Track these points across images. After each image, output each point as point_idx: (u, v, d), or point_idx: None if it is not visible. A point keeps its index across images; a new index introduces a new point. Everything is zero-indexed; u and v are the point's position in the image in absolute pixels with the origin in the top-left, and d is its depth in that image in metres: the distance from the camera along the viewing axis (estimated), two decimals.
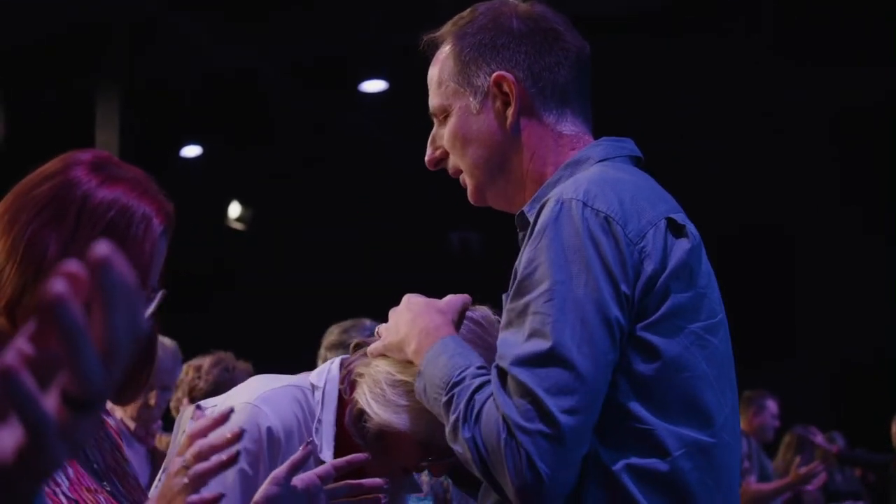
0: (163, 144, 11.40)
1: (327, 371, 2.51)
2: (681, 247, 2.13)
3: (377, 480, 2.37)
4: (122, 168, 2.01)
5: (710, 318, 2.17)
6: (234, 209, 12.93)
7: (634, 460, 2.07)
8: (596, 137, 2.37)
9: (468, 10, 2.41)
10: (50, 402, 0.96)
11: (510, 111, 2.32)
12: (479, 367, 2.17)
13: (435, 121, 2.44)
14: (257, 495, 2.23)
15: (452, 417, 2.12)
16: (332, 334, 4.29)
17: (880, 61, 10.03)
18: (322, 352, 4.30)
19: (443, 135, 2.41)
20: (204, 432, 1.79)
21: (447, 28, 2.42)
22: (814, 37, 9.83)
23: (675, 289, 2.10)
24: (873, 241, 11.73)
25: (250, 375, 5.64)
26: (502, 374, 2.07)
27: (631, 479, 2.07)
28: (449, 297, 2.39)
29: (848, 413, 11.40)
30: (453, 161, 2.41)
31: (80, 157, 1.99)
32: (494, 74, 2.32)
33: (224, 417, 1.79)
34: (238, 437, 1.78)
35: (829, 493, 9.01)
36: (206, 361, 5.30)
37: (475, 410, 2.10)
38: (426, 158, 2.45)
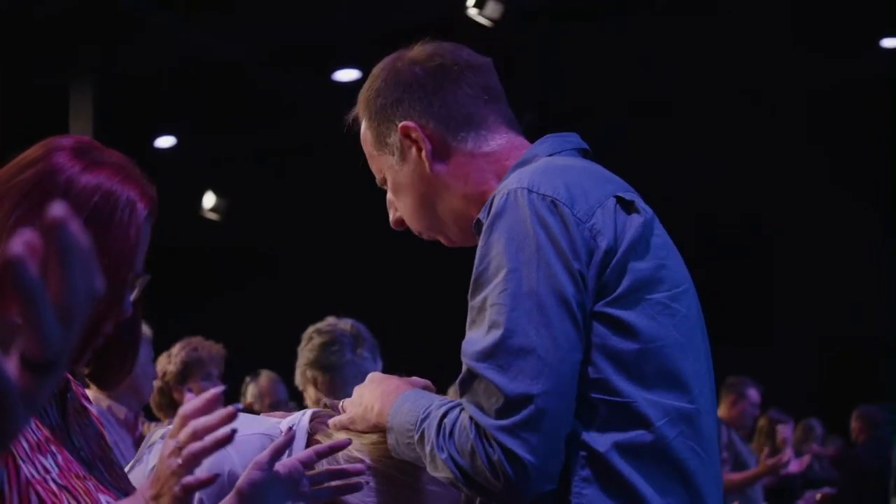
0: (136, 135, 11.36)
1: (298, 421, 2.52)
2: (633, 222, 2.17)
3: (359, 466, 2.39)
4: (105, 153, 2.01)
5: (675, 287, 2.20)
6: (209, 199, 12.90)
7: (619, 437, 2.09)
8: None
9: (370, 77, 2.50)
10: (10, 365, 0.98)
11: (425, 155, 2.39)
12: (441, 402, 2.20)
13: (386, 188, 2.53)
14: (240, 481, 2.24)
15: (427, 448, 2.16)
16: (313, 347, 4.28)
17: (865, 43, 10.08)
18: (300, 363, 4.29)
19: (392, 196, 2.51)
20: (198, 413, 1.78)
21: (359, 104, 2.52)
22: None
23: (633, 263, 2.14)
24: (855, 222, 11.79)
25: (221, 356, 5.67)
26: (468, 374, 2.10)
27: (619, 457, 2.09)
28: (413, 378, 2.42)
29: (827, 398, 11.47)
30: (398, 215, 2.52)
31: (62, 142, 1.99)
32: (399, 127, 2.40)
33: (216, 398, 1.78)
34: (233, 415, 1.77)
35: (808, 479, 9.08)
36: (175, 346, 5.33)
37: (446, 431, 2.13)
38: (391, 222, 2.55)
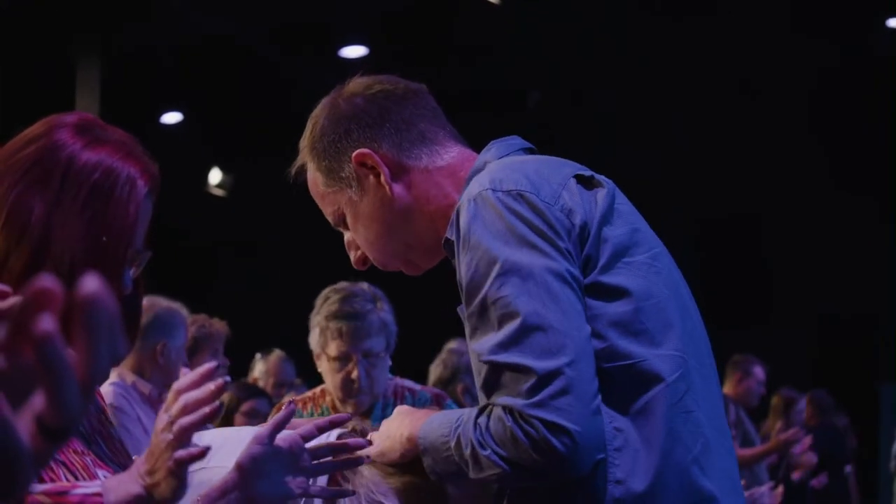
0: (143, 112, 11.36)
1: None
2: (598, 195, 2.23)
3: (360, 440, 2.41)
4: (107, 130, 2.02)
5: (651, 248, 2.25)
6: (215, 176, 12.91)
7: (640, 398, 2.12)
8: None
9: (309, 123, 2.50)
10: (24, 426, 0.98)
11: (384, 179, 2.38)
12: (472, 409, 2.20)
13: (342, 231, 2.52)
14: (241, 456, 2.26)
15: (468, 451, 2.15)
16: (332, 302, 4.27)
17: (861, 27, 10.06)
18: (319, 319, 4.27)
19: (353, 235, 2.49)
20: (189, 387, 1.78)
21: (301, 152, 2.52)
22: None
23: (609, 231, 2.19)
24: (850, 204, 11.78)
25: (225, 334, 5.71)
26: (490, 372, 2.11)
27: (644, 418, 2.12)
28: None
29: (830, 374, 11.49)
30: (364, 250, 2.49)
31: (65, 119, 2.01)
32: (353, 157, 2.39)
33: (210, 372, 1.79)
34: (221, 388, 1.78)
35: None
36: None
37: (482, 428, 2.12)
38: (353, 262, 2.53)
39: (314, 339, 4.28)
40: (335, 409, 4.27)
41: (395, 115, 2.42)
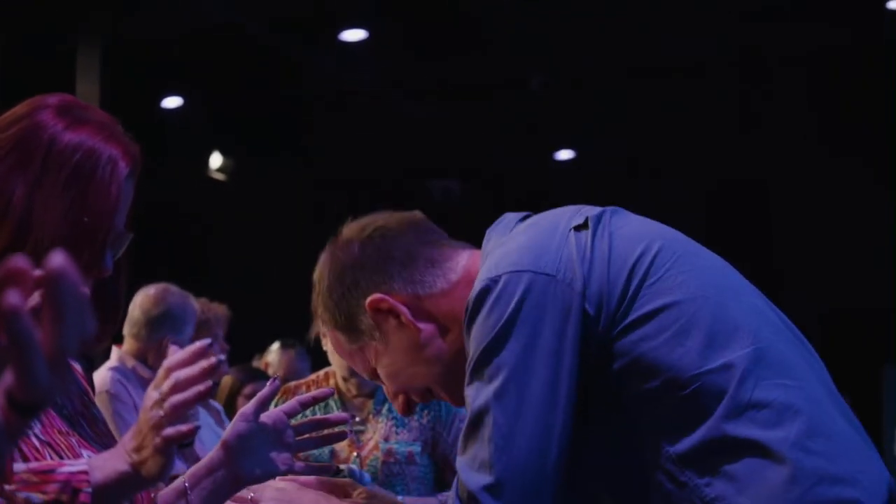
0: (143, 96, 11.37)
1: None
2: (598, 236, 2.17)
3: (343, 415, 2.44)
4: (88, 111, 2.03)
5: (672, 256, 2.19)
6: (216, 160, 12.91)
7: (715, 418, 2.07)
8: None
9: (314, 284, 2.45)
10: None
11: (404, 318, 2.33)
12: None
13: (380, 382, 2.47)
14: (226, 433, 2.28)
15: None
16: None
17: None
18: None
19: (390, 385, 2.44)
20: (181, 365, 1.77)
21: (316, 317, 2.47)
22: None
23: (624, 274, 2.14)
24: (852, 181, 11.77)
25: (226, 317, 5.72)
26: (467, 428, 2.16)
27: (720, 436, 2.07)
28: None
29: (832, 357, 11.46)
30: (402, 400, 2.45)
31: (47, 100, 2.01)
32: (367, 306, 2.34)
33: (201, 350, 1.78)
34: (214, 367, 1.76)
35: None
36: None
37: None
38: (399, 412, 2.49)
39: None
40: (339, 391, 4.29)
41: (397, 250, 2.36)
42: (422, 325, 2.33)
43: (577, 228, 2.19)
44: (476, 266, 2.31)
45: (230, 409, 5.82)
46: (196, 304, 5.40)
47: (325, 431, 2.44)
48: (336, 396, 4.27)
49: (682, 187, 12.12)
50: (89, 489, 1.66)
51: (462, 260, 2.38)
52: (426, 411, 4.22)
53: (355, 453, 4.16)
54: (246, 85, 11.52)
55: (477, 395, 2.13)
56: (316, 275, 2.44)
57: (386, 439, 4.21)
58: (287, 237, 12.24)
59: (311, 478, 2.50)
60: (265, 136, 12.38)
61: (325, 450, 4.11)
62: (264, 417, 2.31)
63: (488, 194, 12.29)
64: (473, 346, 2.15)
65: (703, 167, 12.13)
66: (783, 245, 12.91)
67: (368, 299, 2.33)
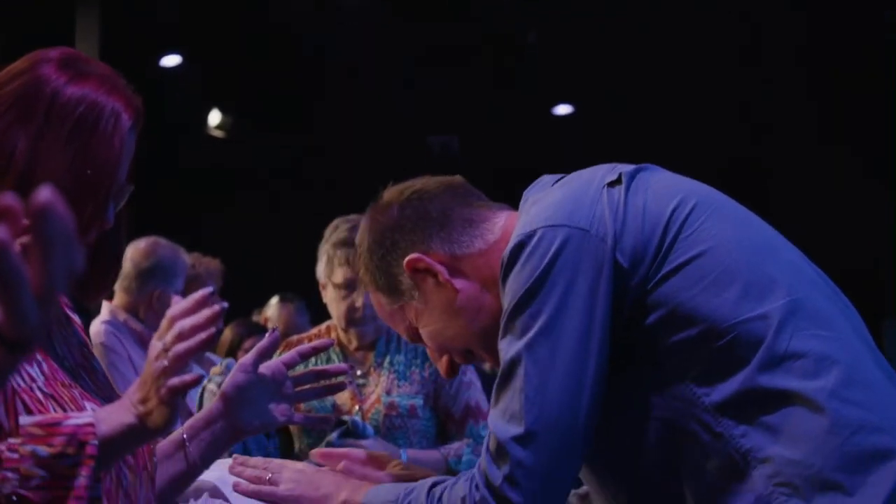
0: (142, 54, 11.33)
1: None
2: (632, 192, 2.19)
3: (342, 365, 2.44)
4: (91, 64, 2.03)
5: (706, 209, 2.20)
6: (215, 117, 12.88)
7: (750, 367, 2.08)
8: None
9: (357, 248, 2.49)
10: None
11: (442, 278, 2.36)
12: (425, 481, 2.27)
13: (422, 343, 2.48)
14: (225, 384, 2.29)
15: None
16: (341, 230, 4.27)
17: None
18: (327, 247, 4.28)
19: (432, 345, 2.45)
20: (184, 314, 1.76)
21: (360, 278, 2.49)
22: None
23: (659, 227, 2.16)
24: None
25: (219, 271, 5.73)
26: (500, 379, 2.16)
27: (758, 382, 2.07)
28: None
29: None
30: (446, 360, 2.46)
31: (49, 54, 2.01)
32: (405, 266, 2.37)
33: (204, 299, 1.78)
34: (219, 315, 1.75)
35: None
36: None
37: (436, 497, 2.20)
38: (443, 374, 2.49)
39: (321, 268, 4.28)
40: (341, 344, 4.30)
41: (434, 210, 2.39)
42: (459, 285, 2.35)
43: (611, 185, 2.21)
44: (513, 226, 2.31)
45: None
46: (186, 256, 5.40)
47: (324, 382, 2.45)
48: (338, 349, 4.29)
49: (684, 140, 12.10)
50: (95, 441, 1.67)
51: (500, 220, 2.39)
52: (427, 363, 4.22)
53: (357, 406, 4.17)
54: (244, 43, 11.48)
55: (509, 347, 2.14)
56: (357, 238, 2.49)
57: (388, 392, 4.21)
58: (285, 194, 12.24)
59: (353, 450, 2.53)
60: (263, 94, 12.35)
61: (328, 403, 4.13)
62: (263, 369, 2.32)
63: (486, 147, 12.27)
64: (507, 300, 2.16)
65: (704, 116, 12.10)
66: (779, 203, 12.90)
67: (406, 259, 2.36)
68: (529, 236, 2.15)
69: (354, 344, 4.30)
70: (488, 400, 4.17)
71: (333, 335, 4.34)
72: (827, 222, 11.64)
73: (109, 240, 2.06)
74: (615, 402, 2.17)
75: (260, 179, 12.65)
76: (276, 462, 2.45)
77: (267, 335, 2.32)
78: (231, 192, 12.52)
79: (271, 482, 2.38)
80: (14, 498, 1.62)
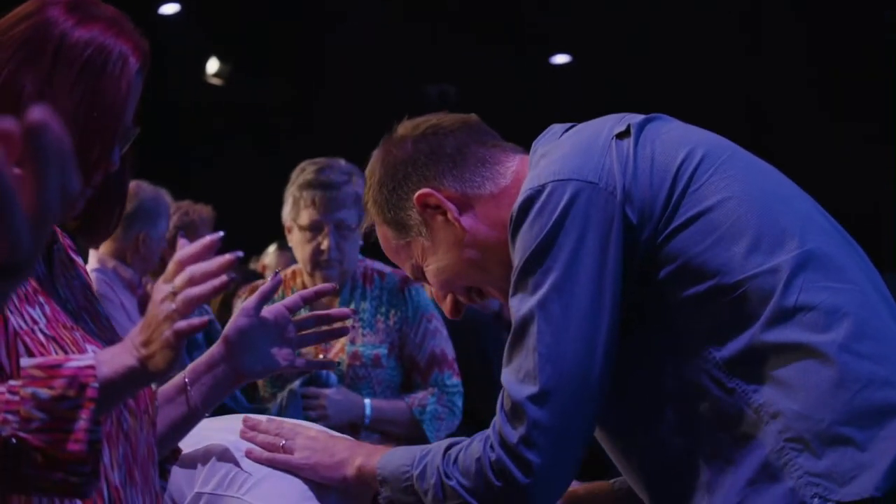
0: (141, 2, 11.28)
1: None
2: (640, 144, 2.18)
3: (345, 310, 2.44)
4: (99, 7, 2.02)
5: (717, 160, 2.20)
6: (213, 65, 12.84)
7: (759, 322, 2.07)
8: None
9: (367, 179, 2.45)
10: None
11: (451, 216, 2.34)
12: (441, 443, 2.26)
13: (427, 283, 2.46)
14: (227, 328, 2.29)
15: (432, 481, 2.20)
16: (308, 172, 4.25)
17: None
18: (293, 189, 4.26)
19: (436, 284, 2.43)
20: (193, 259, 1.75)
21: (367, 210, 2.46)
22: None
23: (669, 179, 2.15)
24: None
25: (211, 219, 5.73)
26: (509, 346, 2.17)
27: (767, 335, 2.07)
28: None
29: None
30: (450, 301, 2.44)
31: None
32: (415, 200, 2.34)
33: (213, 244, 1.76)
34: (233, 263, 1.74)
35: None
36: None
37: (451, 459, 2.19)
38: (447, 313, 2.47)
39: (286, 211, 4.27)
40: (304, 287, 4.17)
41: (449, 147, 2.36)
42: (467, 224, 2.33)
43: (620, 136, 2.20)
44: (525, 172, 2.31)
45: (226, 311, 5.82)
46: (169, 198, 5.39)
47: (327, 327, 2.45)
48: None
49: (683, 90, 12.07)
50: (96, 384, 1.66)
51: (512, 164, 2.38)
52: (392, 311, 4.20)
53: (321, 356, 4.12)
54: None
55: (521, 304, 2.14)
56: (368, 170, 2.46)
57: (352, 342, 4.18)
58: (283, 141, 12.22)
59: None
60: (261, 43, 12.31)
61: None
62: (265, 312, 2.32)
63: (484, 96, 12.25)
64: (518, 256, 2.16)
65: (704, 69, 12.06)
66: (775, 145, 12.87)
67: (417, 193, 2.34)
68: (538, 191, 2.14)
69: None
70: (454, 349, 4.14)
71: (299, 280, 4.32)
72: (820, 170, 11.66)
73: (115, 182, 2.06)
74: (627, 361, 2.17)
75: (258, 127, 12.62)
76: (289, 427, 2.42)
77: (270, 278, 2.31)
78: (228, 139, 12.50)
79: (285, 449, 2.36)
80: (14, 440, 1.62)
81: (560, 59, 13.39)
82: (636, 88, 11.42)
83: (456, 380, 4.29)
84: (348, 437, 2.49)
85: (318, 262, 4.19)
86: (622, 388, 2.18)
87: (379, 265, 4.32)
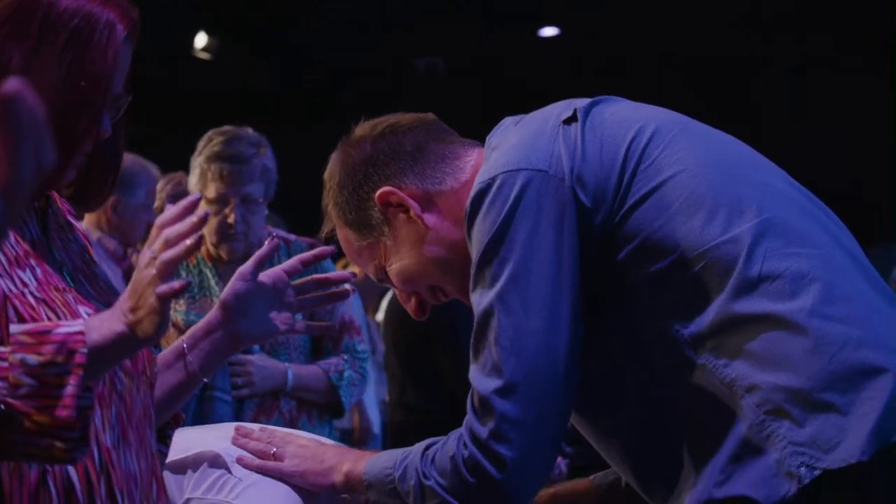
0: None
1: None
2: (588, 127, 2.19)
3: (344, 273, 2.44)
4: None
5: (668, 134, 2.19)
6: (201, 39, 12.80)
7: (725, 293, 2.06)
8: None
9: (325, 182, 2.44)
10: None
11: (413, 213, 2.33)
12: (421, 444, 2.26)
13: (391, 285, 2.45)
14: (224, 292, 2.29)
15: (412, 482, 2.21)
16: (215, 144, 4.23)
17: None
18: (200, 160, 4.23)
19: (400, 285, 2.41)
20: (171, 222, 1.76)
21: (327, 214, 2.44)
22: None
23: (628, 150, 2.16)
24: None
25: None
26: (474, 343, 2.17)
27: (735, 306, 2.06)
28: None
29: None
30: (414, 301, 2.43)
31: None
32: (376, 199, 2.33)
33: (193, 205, 1.78)
34: (203, 221, 1.75)
35: None
36: (160, 181, 5.38)
37: (429, 459, 2.19)
38: (412, 314, 2.45)
39: (193, 181, 4.26)
40: (210, 259, 4.26)
41: (408, 144, 2.36)
42: (430, 221, 2.33)
43: (567, 122, 2.20)
44: (476, 164, 2.33)
45: None
46: (156, 171, 5.38)
47: (325, 291, 2.45)
48: (209, 264, 4.24)
49: (669, 63, 12.06)
50: (85, 350, 1.67)
51: (471, 159, 2.37)
52: (301, 278, 4.20)
53: None
54: None
55: (481, 299, 2.14)
56: (327, 173, 2.44)
57: None
58: (270, 116, 12.21)
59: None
60: (250, 16, 12.28)
61: None
62: (263, 277, 2.32)
63: (472, 69, 12.23)
64: (474, 251, 2.16)
65: (690, 43, 12.05)
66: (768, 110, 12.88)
67: (378, 192, 2.33)
68: (489, 184, 2.14)
69: (225, 258, 4.24)
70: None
71: (203, 249, 4.29)
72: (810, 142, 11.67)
73: (107, 149, 2.06)
74: (595, 345, 2.16)
75: (248, 102, 12.61)
76: (280, 435, 2.44)
77: (266, 242, 2.31)
78: (216, 113, 12.48)
79: (276, 457, 2.37)
80: (2, 406, 1.63)
81: (548, 31, 13.36)
82: (623, 59, 11.43)
83: (364, 346, 4.36)
84: (339, 443, 2.51)
85: (224, 235, 4.18)
86: (594, 374, 2.18)
87: (283, 233, 4.33)
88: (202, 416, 3.95)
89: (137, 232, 5.21)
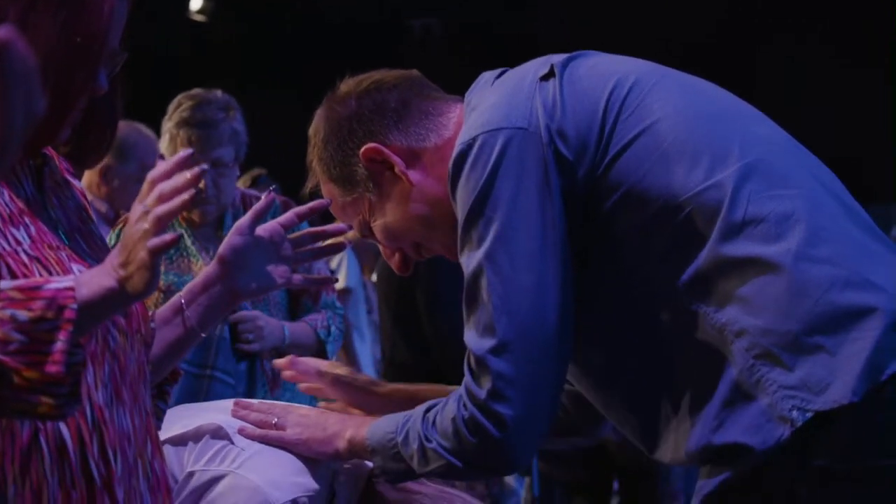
0: None
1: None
2: (565, 82, 2.18)
3: (341, 226, 2.43)
4: None
5: (647, 85, 2.19)
6: (196, 2, 12.78)
7: (714, 237, 2.07)
8: None
9: (310, 138, 2.44)
10: None
11: (398, 170, 2.33)
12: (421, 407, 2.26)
13: (375, 241, 2.44)
14: (221, 247, 2.29)
15: (415, 446, 2.21)
16: (184, 109, 4.22)
17: None
18: (170, 125, 4.24)
19: (384, 240, 2.41)
20: (164, 177, 1.75)
21: (311, 168, 2.44)
22: None
23: (597, 111, 2.15)
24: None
25: None
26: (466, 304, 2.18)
27: (723, 249, 2.07)
28: None
29: None
30: (398, 257, 2.42)
31: None
32: (362, 154, 2.33)
33: (184, 161, 1.77)
34: (199, 177, 1.75)
35: None
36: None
37: (430, 421, 2.20)
38: (396, 270, 2.45)
39: (163, 146, 4.25)
40: (186, 221, 4.25)
41: (393, 101, 2.36)
42: (414, 178, 2.33)
43: (545, 78, 2.20)
44: (458, 120, 2.34)
45: None
46: (153, 142, 5.34)
47: (322, 243, 2.45)
48: (184, 225, 4.24)
49: (670, 25, 12.03)
50: (75, 305, 1.67)
51: (454, 115, 2.37)
52: None
53: None
54: None
55: (469, 259, 2.15)
56: (311, 129, 2.44)
57: None
58: (265, 76, 12.18)
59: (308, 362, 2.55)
60: None
61: (187, 278, 4.08)
62: (260, 231, 2.32)
63: (468, 29, 12.20)
64: (460, 213, 2.17)
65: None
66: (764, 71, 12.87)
67: (363, 148, 2.33)
68: (470, 145, 2.15)
69: (198, 221, 4.26)
70: None
71: None
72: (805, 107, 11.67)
73: (104, 106, 2.05)
74: (587, 299, 2.17)
75: (243, 64, 12.59)
76: (280, 406, 2.45)
77: (263, 196, 2.31)
78: (210, 75, 12.45)
79: (278, 427, 2.38)
80: None
81: None
82: (617, 16, 11.40)
83: (340, 303, 4.45)
84: (338, 411, 2.51)
85: (195, 200, 4.15)
86: (589, 329, 2.19)
87: (255, 192, 4.36)
88: (202, 396, 3.97)
89: (127, 203, 5.19)
